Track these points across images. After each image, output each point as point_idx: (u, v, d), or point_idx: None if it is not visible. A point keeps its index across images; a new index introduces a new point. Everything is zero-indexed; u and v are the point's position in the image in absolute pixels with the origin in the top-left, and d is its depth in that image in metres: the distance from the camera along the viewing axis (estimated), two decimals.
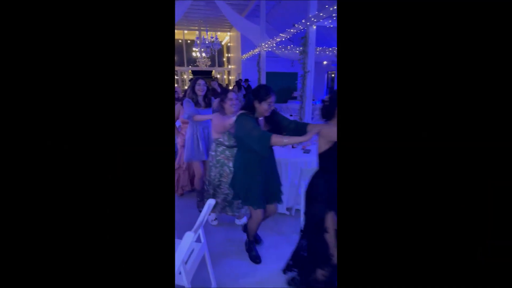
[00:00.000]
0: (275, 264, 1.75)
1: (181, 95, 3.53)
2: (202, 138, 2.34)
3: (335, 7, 2.98)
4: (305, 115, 3.69)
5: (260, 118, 1.56)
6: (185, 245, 1.08)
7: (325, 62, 7.94)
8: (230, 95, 1.92)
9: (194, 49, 11.04)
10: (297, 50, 5.98)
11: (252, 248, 1.86)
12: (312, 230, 1.37)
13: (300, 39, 3.66)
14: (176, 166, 2.74)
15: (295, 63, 8.64)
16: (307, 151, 2.46)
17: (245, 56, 8.20)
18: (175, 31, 9.67)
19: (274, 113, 1.58)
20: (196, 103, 2.26)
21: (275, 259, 1.79)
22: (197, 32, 10.72)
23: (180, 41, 10.33)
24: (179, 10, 5.33)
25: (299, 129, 1.52)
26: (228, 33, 9.99)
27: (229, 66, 10.88)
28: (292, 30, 4.21)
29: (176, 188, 2.78)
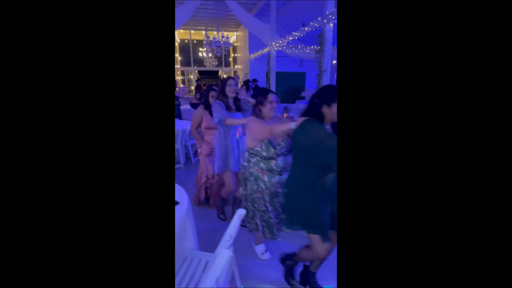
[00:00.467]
0: None
1: (194, 99, 3.40)
2: (234, 146, 2.13)
3: None
4: None
5: (327, 126, 1.28)
6: (222, 264, 0.99)
7: (334, 62, 7.81)
8: (271, 97, 1.60)
9: (201, 49, 10.97)
10: (308, 49, 5.88)
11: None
12: None
13: (316, 37, 3.56)
14: (201, 178, 2.50)
15: (304, 62, 8.56)
16: None
17: (253, 55, 8.11)
18: (182, 31, 9.62)
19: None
20: (227, 107, 2.02)
21: None
22: (203, 32, 10.65)
23: (186, 41, 10.28)
24: (188, 10, 5.26)
25: None
26: (235, 33, 9.90)
27: (236, 66, 10.80)
28: (306, 28, 4.11)
29: (197, 199, 2.60)
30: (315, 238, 1.32)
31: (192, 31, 10.05)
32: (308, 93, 8.95)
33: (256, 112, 1.65)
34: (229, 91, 2.04)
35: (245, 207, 1.81)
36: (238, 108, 2.16)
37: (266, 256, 1.88)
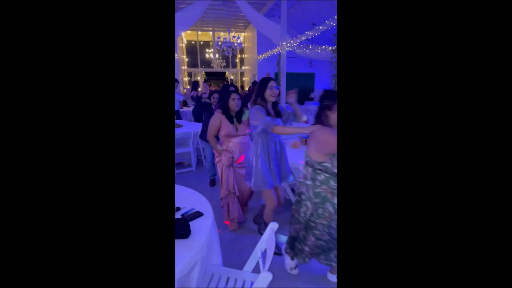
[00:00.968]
0: None
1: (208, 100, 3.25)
2: (274, 158, 1.84)
3: None
4: None
5: None
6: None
7: None
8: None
9: (208, 50, 10.91)
10: (319, 49, 5.74)
11: None
12: None
13: (333, 36, 3.42)
14: (221, 193, 2.21)
15: (314, 62, 8.39)
16: None
17: (261, 56, 8.00)
18: (189, 32, 9.56)
19: None
20: (266, 112, 1.72)
21: None
22: (210, 33, 10.59)
23: (193, 42, 10.22)
24: (196, 11, 5.18)
25: None
26: (243, 34, 9.81)
27: (243, 67, 10.71)
28: (321, 28, 3.98)
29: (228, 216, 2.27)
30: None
31: (199, 32, 10.00)
32: (317, 94, 8.82)
33: (323, 119, 1.42)
34: (270, 95, 1.72)
35: (295, 232, 1.58)
36: (277, 114, 1.84)
37: (295, 271, 1.72)
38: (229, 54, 8.28)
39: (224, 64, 9.98)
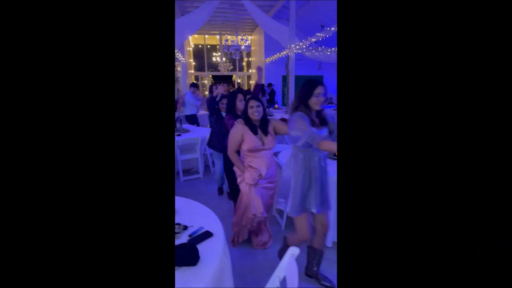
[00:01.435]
0: None
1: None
2: (318, 177, 1.44)
3: None
4: None
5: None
6: None
7: None
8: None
9: (214, 54, 10.88)
10: (329, 51, 5.60)
11: None
12: None
13: None
14: (244, 216, 1.89)
15: (322, 65, 8.22)
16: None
17: (268, 59, 7.89)
18: (196, 36, 9.55)
19: None
20: (311, 122, 1.40)
21: None
22: (217, 37, 10.57)
23: (200, 46, 10.21)
24: (204, 15, 5.10)
25: None
26: (249, 37, 9.74)
27: (250, 71, 10.63)
28: (333, 29, 3.85)
29: (236, 241, 2.05)
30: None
31: (206, 36, 9.98)
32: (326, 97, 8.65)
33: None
34: (315, 103, 1.40)
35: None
36: (323, 123, 1.50)
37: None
38: (237, 57, 8.19)
39: (231, 67, 9.92)
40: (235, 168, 1.93)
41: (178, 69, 6.18)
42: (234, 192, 2.47)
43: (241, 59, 10.43)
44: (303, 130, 1.35)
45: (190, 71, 9.87)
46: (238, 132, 1.80)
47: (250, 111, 1.79)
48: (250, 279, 1.77)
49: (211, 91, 6.09)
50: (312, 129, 1.35)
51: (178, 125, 3.75)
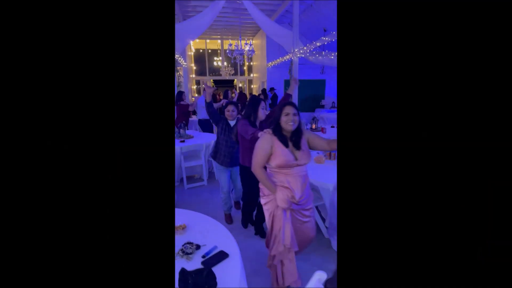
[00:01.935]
0: None
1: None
2: None
3: None
4: None
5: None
6: None
7: None
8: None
9: (216, 58, 10.86)
10: (332, 56, 5.55)
11: None
12: None
13: None
14: (275, 249, 1.51)
15: (325, 69, 8.17)
16: None
17: (271, 64, 7.85)
18: (198, 40, 9.53)
19: None
20: None
21: None
22: (218, 42, 10.56)
23: (201, 50, 10.19)
24: (206, 20, 5.05)
25: None
26: (251, 41, 9.71)
27: (251, 75, 10.59)
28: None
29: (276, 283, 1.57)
30: None
31: (208, 41, 9.95)
32: (328, 101, 8.59)
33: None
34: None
35: None
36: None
37: None
38: (241, 62, 8.13)
39: (233, 72, 9.87)
40: (261, 187, 1.57)
41: (180, 73, 6.11)
42: (248, 206, 2.33)
43: (242, 64, 10.40)
44: None
45: (191, 76, 9.82)
46: (267, 143, 1.45)
47: (284, 119, 1.44)
48: None
49: (225, 96, 5.86)
50: None
51: (182, 131, 3.66)
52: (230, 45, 7.18)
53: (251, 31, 9.17)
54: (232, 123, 2.33)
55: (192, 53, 9.72)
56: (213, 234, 1.29)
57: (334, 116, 6.60)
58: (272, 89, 7.64)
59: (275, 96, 7.66)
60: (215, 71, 10.25)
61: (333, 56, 5.57)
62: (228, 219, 2.55)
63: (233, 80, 10.80)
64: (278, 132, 1.47)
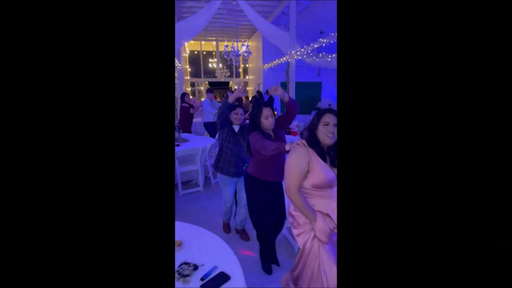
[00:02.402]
0: None
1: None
2: None
3: None
4: None
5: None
6: None
7: None
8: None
9: (211, 60, 10.75)
10: (329, 58, 5.50)
11: None
12: None
13: None
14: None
15: (322, 71, 8.13)
16: None
17: (267, 65, 7.78)
18: (192, 42, 9.42)
19: None
20: None
21: None
22: (214, 43, 10.46)
23: (196, 52, 10.07)
24: (201, 21, 4.95)
25: None
26: (246, 43, 9.64)
27: (247, 77, 10.51)
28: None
29: None
30: None
31: (203, 42, 9.84)
32: (324, 103, 8.56)
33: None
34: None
35: None
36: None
37: None
38: (237, 63, 8.02)
39: (229, 74, 9.77)
40: (294, 214, 1.25)
41: (175, 75, 5.98)
42: (263, 236, 1.79)
43: (238, 66, 10.32)
44: None
45: (186, 78, 9.69)
46: (303, 159, 1.16)
47: (322, 129, 1.17)
48: None
49: (217, 99, 5.68)
50: None
51: (176, 134, 3.52)
52: (226, 46, 7.07)
53: (247, 33, 9.10)
54: (236, 128, 2.08)
55: (187, 55, 9.60)
56: (212, 251, 1.17)
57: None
58: (268, 91, 7.55)
59: (271, 99, 7.57)
60: (210, 73, 10.13)
61: (330, 58, 5.52)
62: (226, 229, 2.35)
63: (229, 82, 10.69)
64: (315, 144, 1.18)
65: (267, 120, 1.64)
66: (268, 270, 1.78)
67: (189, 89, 9.97)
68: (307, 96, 8.51)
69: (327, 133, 1.16)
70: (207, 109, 4.50)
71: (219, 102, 4.99)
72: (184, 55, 9.41)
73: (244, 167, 1.99)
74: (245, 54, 6.97)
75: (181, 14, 6.71)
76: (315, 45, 4.61)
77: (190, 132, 4.90)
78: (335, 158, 1.19)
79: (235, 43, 6.79)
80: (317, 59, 5.62)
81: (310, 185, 1.17)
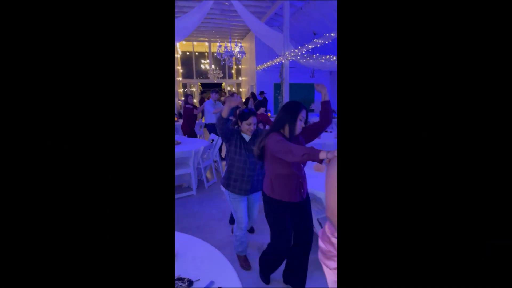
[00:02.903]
0: None
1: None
2: None
3: None
4: None
5: None
6: None
7: None
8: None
9: (203, 61, 10.66)
10: (323, 59, 5.50)
11: None
12: None
13: None
14: None
15: (315, 72, 8.15)
16: None
17: (260, 67, 7.74)
18: (184, 43, 9.31)
19: None
20: None
21: None
22: (206, 44, 10.36)
23: (188, 53, 9.95)
24: (192, 21, 4.87)
25: None
26: (240, 44, 9.59)
27: (240, 78, 10.44)
28: (332, 35, 3.69)
29: None
30: None
31: (195, 43, 9.72)
32: (318, 105, 8.57)
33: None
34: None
35: None
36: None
37: None
38: (231, 64, 7.92)
39: (222, 75, 9.67)
40: (335, 241, 1.04)
41: None
42: (293, 277, 1.60)
43: (231, 67, 10.23)
44: None
45: (178, 79, 9.53)
46: None
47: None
48: None
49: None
50: None
51: None
52: (220, 46, 6.94)
53: (240, 34, 9.05)
54: (246, 137, 1.81)
55: (179, 56, 9.45)
56: (208, 264, 1.08)
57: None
58: (262, 92, 7.51)
59: (265, 100, 7.52)
60: (202, 74, 10.01)
61: (323, 60, 5.51)
62: (245, 263, 1.91)
63: (221, 83, 10.59)
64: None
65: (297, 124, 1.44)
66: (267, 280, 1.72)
67: (181, 90, 9.81)
68: (300, 98, 8.51)
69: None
70: (209, 110, 4.40)
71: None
72: (176, 56, 9.27)
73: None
74: (239, 55, 6.88)
75: None
76: (310, 46, 4.58)
77: (194, 133, 4.81)
78: None
79: (228, 44, 6.69)
80: (311, 60, 5.61)
81: None
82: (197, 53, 9.86)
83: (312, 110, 8.49)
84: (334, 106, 8.22)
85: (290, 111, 1.44)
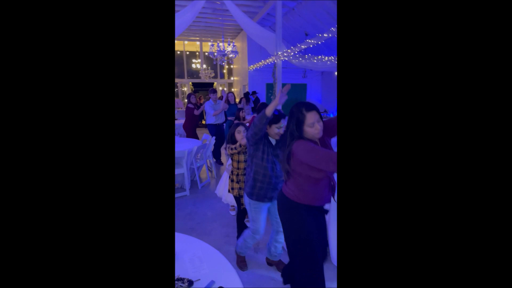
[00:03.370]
0: None
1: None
2: None
3: None
4: None
5: None
6: None
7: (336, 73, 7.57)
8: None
9: (194, 60, 10.58)
10: (315, 59, 5.54)
11: None
12: None
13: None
14: None
15: (307, 73, 8.21)
16: None
17: (252, 67, 7.74)
18: (175, 42, 9.19)
19: None
20: None
21: None
22: (197, 43, 10.29)
23: (179, 52, 9.85)
24: (184, 20, 4.82)
25: None
26: (233, 43, 9.56)
27: (232, 78, 10.41)
28: (325, 35, 3.73)
29: None
30: None
31: (186, 42, 9.62)
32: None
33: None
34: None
35: None
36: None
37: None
38: (224, 63, 7.86)
39: (213, 74, 9.61)
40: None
41: None
42: (308, 267, 1.39)
43: (222, 67, 10.18)
44: None
45: None
46: None
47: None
48: None
49: (201, 100, 5.50)
50: None
51: None
52: (212, 45, 6.84)
53: (231, 33, 9.02)
54: (273, 141, 1.69)
55: None
56: (207, 263, 1.06)
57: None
58: (254, 92, 7.50)
59: (257, 100, 7.51)
60: (193, 74, 9.92)
61: (315, 60, 5.55)
62: (242, 263, 1.91)
63: (213, 83, 10.52)
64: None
65: (313, 127, 1.26)
66: None
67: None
68: (292, 98, 8.56)
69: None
70: (209, 112, 4.37)
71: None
72: None
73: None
74: (232, 55, 6.84)
75: None
76: (303, 46, 4.61)
77: (195, 133, 4.76)
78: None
79: (221, 43, 6.65)
80: (303, 60, 5.64)
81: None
82: (188, 53, 9.76)
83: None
84: (325, 105, 8.28)
85: (295, 119, 1.29)
